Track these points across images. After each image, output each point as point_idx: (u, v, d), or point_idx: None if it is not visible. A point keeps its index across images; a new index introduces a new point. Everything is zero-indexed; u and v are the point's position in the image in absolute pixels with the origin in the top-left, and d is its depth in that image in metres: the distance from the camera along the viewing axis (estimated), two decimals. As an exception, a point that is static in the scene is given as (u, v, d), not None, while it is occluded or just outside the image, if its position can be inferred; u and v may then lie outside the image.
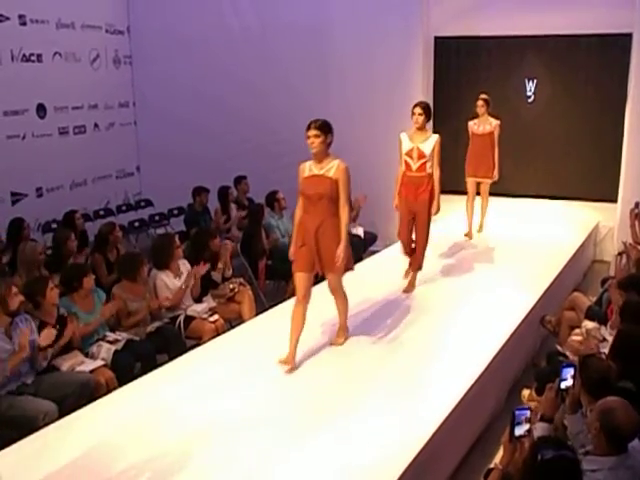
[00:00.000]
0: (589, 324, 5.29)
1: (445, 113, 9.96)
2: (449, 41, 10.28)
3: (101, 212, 9.72)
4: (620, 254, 6.75)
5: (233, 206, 8.91)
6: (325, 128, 4.86)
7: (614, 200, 9.13)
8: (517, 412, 3.24)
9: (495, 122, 8.14)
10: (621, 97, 9.10)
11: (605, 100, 9.75)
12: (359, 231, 8.95)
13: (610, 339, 5.04)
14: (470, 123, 8.25)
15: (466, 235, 8.34)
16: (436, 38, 10.28)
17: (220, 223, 8.56)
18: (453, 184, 8.68)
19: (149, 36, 10.81)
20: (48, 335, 4.73)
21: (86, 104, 10.21)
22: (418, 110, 6.27)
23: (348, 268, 5.08)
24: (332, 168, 4.86)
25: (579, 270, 8.42)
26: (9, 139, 8.91)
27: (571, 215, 9.51)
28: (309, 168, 4.93)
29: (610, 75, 9.67)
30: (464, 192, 8.71)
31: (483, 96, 8.18)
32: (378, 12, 9.66)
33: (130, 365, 5.26)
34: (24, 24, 9.00)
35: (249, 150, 10.27)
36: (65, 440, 3.98)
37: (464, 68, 10.42)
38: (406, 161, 6.22)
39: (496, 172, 8.20)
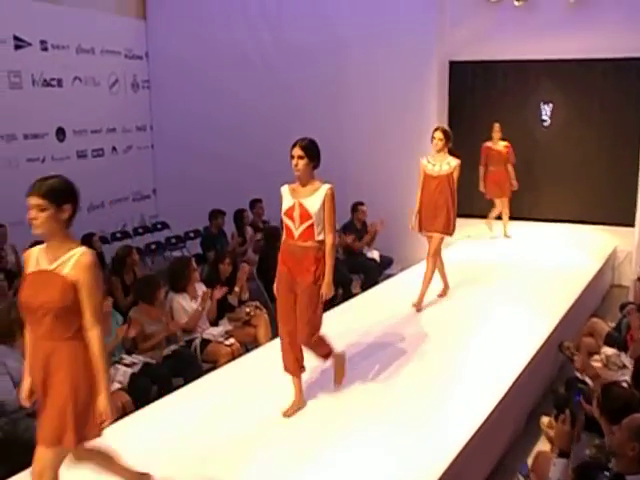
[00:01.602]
0: (608, 350, 5.24)
1: (460, 137, 9.92)
2: (464, 65, 10.33)
3: (118, 234, 9.78)
4: (639, 279, 6.69)
5: (249, 229, 8.94)
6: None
7: (631, 224, 9.07)
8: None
9: (455, 162, 6.40)
10: (637, 121, 9.10)
11: (621, 124, 9.73)
12: (375, 255, 8.95)
13: (630, 366, 4.99)
14: (423, 161, 6.53)
15: (414, 305, 6.62)
16: (451, 62, 10.33)
17: (236, 246, 8.59)
18: (468, 208, 8.66)
19: (167, 61, 10.96)
20: None
21: (104, 128, 10.34)
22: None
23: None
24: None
25: (597, 295, 8.35)
26: (29, 162, 9.02)
27: (588, 239, 9.45)
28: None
29: (626, 99, 9.66)
30: (480, 216, 8.71)
31: (441, 129, 6.57)
32: (394, 36, 9.74)
33: (147, 388, 5.25)
34: (45, 49, 9.16)
35: (264, 173, 10.28)
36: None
37: (479, 92, 10.44)
38: (286, 225, 4.61)
39: (452, 228, 6.50)
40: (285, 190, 4.64)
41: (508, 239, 9.43)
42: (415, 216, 6.54)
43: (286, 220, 4.58)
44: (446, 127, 6.77)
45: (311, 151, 4.47)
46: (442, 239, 6.55)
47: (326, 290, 4.48)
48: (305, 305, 4.43)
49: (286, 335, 4.53)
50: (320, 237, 4.46)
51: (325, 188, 4.46)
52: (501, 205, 9.41)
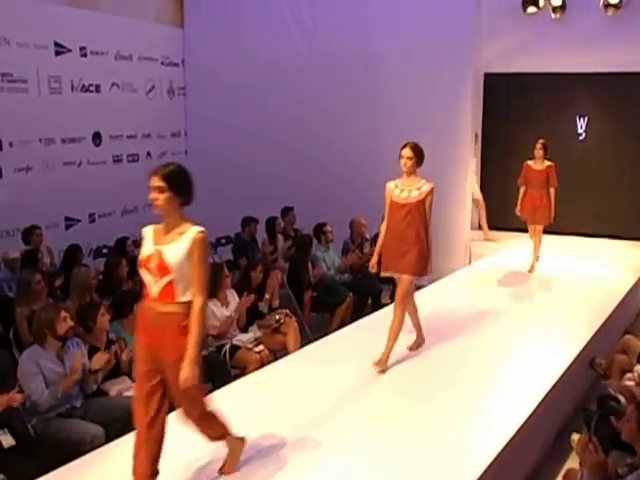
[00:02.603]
0: (642, 368, 5.16)
1: (494, 150, 9.95)
2: (499, 78, 10.29)
3: (151, 239, 9.87)
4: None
5: (280, 237, 8.98)
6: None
7: (667, 240, 8.94)
8: None
9: (427, 186, 5.28)
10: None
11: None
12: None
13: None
14: (390, 185, 5.42)
15: (375, 365, 5.43)
16: (486, 75, 10.30)
17: (267, 253, 8.63)
18: (501, 221, 8.61)
19: (203, 69, 11.07)
20: (100, 359, 4.83)
21: (140, 133, 10.47)
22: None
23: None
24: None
25: (631, 311, 8.22)
26: (65, 165, 9.18)
27: (623, 254, 9.33)
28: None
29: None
30: (514, 229, 8.63)
31: (410, 145, 5.36)
32: (429, 47, 9.70)
33: (176, 392, 5.29)
34: (84, 56, 9.32)
35: (297, 183, 10.36)
36: (111, 464, 4.02)
37: (513, 105, 10.40)
38: (143, 280, 3.54)
39: (426, 267, 5.36)
40: (148, 232, 3.58)
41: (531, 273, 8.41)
42: (376, 253, 5.51)
43: (142, 273, 3.49)
44: (417, 143, 5.32)
45: (175, 181, 3.49)
46: (412, 281, 5.38)
47: (185, 374, 3.30)
48: (180, 392, 3.42)
49: (142, 428, 3.47)
50: (184, 298, 3.40)
51: (194, 231, 3.45)
52: (533, 232, 8.56)
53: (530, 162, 8.39)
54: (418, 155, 5.28)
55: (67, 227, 9.25)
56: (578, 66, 9.73)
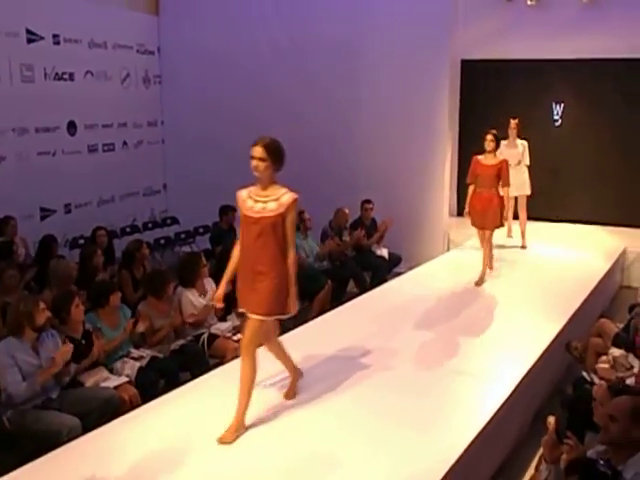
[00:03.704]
0: (616, 351, 5.22)
1: (471, 136, 9.96)
2: (476, 64, 10.30)
3: (127, 229, 9.82)
4: (648, 280, 6.67)
5: (258, 225, 8.94)
6: None
7: (642, 225, 9.05)
8: None
9: (288, 197, 4.17)
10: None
11: (632, 124, 9.69)
12: (384, 252, 8.95)
13: (637, 367, 4.98)
14: (242, 194, 4.38)
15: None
16: (463, 61, 10.31)
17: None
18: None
19: (179, 57, 10.97)
20: (64, 352, 4.70)
21: (115, 122, 10.37)
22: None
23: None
24: None
25: (606, 296, 8.32)
26: (40, 155, 9.07)
27: (598, 240, 9.42)
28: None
29: (637, 100, 9.61)
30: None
31: (261, 143, 4.26)
32: (406, 33, 9.70)
33: (154, 382, 5.28)
34: (58, 43, 9.19)
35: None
36: (88, 455, 4.00)
37: (491, 91, 10.42)
38: None
39: (284, 306, 4.20)
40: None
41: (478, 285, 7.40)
42: (224, 282, 4.41)
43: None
44: (273, 139, 4.21)
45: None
46: (263, 324, 4.16)
47: None
48: None
49: None
50: None
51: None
52: (482, 238, 7.46)
53: (480, 156, 7.33)
54: (274, 155, 4.15)
55: (42, 218, 9.15)
56: (554, 52, 9.77)
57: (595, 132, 10.01)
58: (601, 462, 2.95)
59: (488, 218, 7.19)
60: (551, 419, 4.47)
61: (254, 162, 4.17)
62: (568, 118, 10.18)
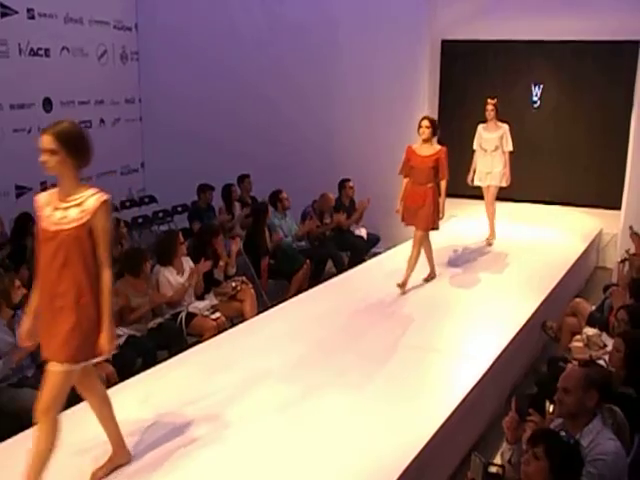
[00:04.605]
0: (590, 330, 5.29)
1: (451, 116, 9.98)
2: (456, 44, 10.28)
3: (105, 208, 9.71)
4: (622, 261, 6.75)
5: (237, 204, 8.93)
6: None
7: (618, 207, 9.12)
8: None
9: (95, 200, 3.29)
10: (627, 104, 9.09)
11: (611, 107, 9.75)
12: (362, 232, 8.97)
13: (610, 346, 5.06)
14: (41, 198, 3.40)
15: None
16: (443, 41, 10.29)
17: (224, 221, 8.57)
18: (461, 188, 8.64)
19: (157, 33, 10.82)
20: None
21: (92, 99, 10.22)
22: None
23: None
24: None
25: (582, 276, 8.42)
26: (15, 132, 8.91)
27: (574, 221, 9.51)
28: None
29: (616, 82, 9.66)
30: (470, 196, 8.70)
31: (47, 132, 3.27)
32: (386, 14, 9.66)
33: (131, 360, 5.27)
34: (32, 18, 9.01)
35: (252, 149, 10.29)
36: (64, 433, 3.98)
37: (471, 72, 10.41)
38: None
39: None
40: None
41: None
42: (28, 318, 3.43)
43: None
44: (72, 122, 3.35)
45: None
46: (65, 375, 3.29)
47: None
48: None
49: None
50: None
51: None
52: (414, 240, 6.58)
53: (415, 145, 6.47)
54: (69, 145, 3.20)
55: (18, 195, 9.03)
56: (534, 34, 9.76)
57: (574, 114, 10.06)
58: (562, 433, 3.01)
59: (420, 217, 6.40)
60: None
61: (42, 156, 3.18)
62: (547, 100, 10.21)
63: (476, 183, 8.31)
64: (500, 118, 8.13)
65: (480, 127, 8.20)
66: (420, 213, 6.38)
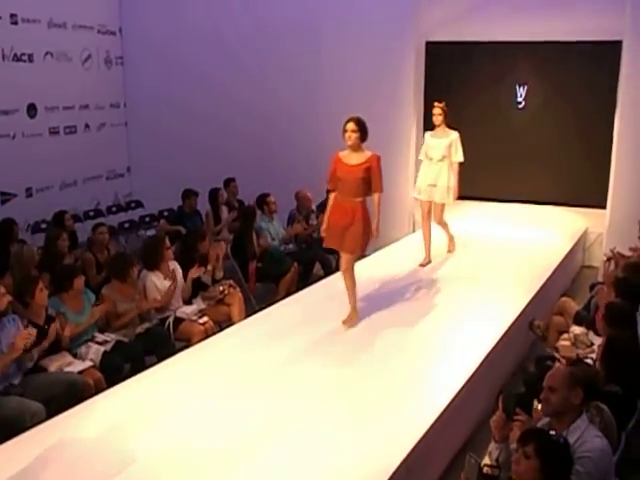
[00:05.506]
0: (577, 329, 5.32)
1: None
2: (440, 46, 10.31)
3: (91, 213, 9.68)
4: (608, 260, 6.79)
5: (224, 208, 8.92)
6: None
7: (603, 206, 9.17)
8: None
9: None
10: (611, 104, 9.15)
11: (595, 107, 9.80)
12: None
13: (597, 344, 5.08)
14: None
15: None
16: (427, 43, 10.32)
17: (211, 225, 8.56)
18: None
19: (141, 37, 10.80)
20: (24, 336, 4.57)
21: (77, 104, 10.18)
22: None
23: None
24: None
25: (568, 275, 8.46)
26: (-1, 138, 8.88)
27: (560, 221, 9.55)
28: None
29: (600, 82, 9.72)
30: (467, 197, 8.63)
31: None
32: (370, 16, 9.69)
33: (119, 366, 5.24)
34: (15, 23, 8.97)
35: (237, 153, 10.29)
36: (52, 441, 3.96)
37: (455, 73, 10.44)
38: None
39: None
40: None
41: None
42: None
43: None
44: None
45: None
46: None
47: None
48: None
49: None
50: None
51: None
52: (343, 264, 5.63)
53: (342, 153, 5.53)
54: None
55: (3, 202, 8.97)
56: (518, 35, 9.80)
57: (558, 114, 10.10)
58: (552, 432, 3.03)
59: (347, 238, 5.44)
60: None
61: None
62: (532, 100, 10.26)
63: (416, 196, 7.54)
64: (450, 125, 7.24)
65: (427, 134, 7.44)
66: (347, 233, 5.42)
